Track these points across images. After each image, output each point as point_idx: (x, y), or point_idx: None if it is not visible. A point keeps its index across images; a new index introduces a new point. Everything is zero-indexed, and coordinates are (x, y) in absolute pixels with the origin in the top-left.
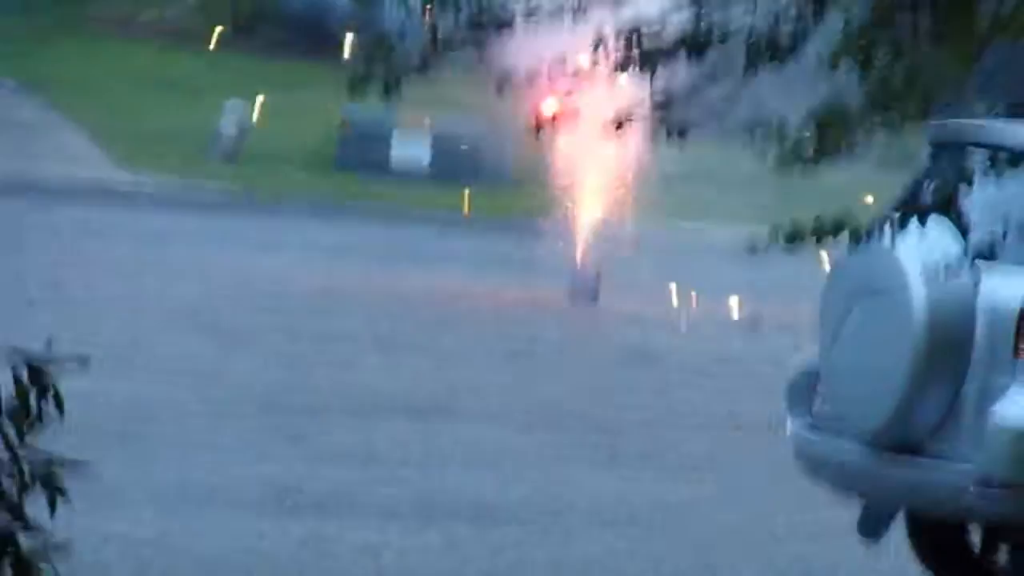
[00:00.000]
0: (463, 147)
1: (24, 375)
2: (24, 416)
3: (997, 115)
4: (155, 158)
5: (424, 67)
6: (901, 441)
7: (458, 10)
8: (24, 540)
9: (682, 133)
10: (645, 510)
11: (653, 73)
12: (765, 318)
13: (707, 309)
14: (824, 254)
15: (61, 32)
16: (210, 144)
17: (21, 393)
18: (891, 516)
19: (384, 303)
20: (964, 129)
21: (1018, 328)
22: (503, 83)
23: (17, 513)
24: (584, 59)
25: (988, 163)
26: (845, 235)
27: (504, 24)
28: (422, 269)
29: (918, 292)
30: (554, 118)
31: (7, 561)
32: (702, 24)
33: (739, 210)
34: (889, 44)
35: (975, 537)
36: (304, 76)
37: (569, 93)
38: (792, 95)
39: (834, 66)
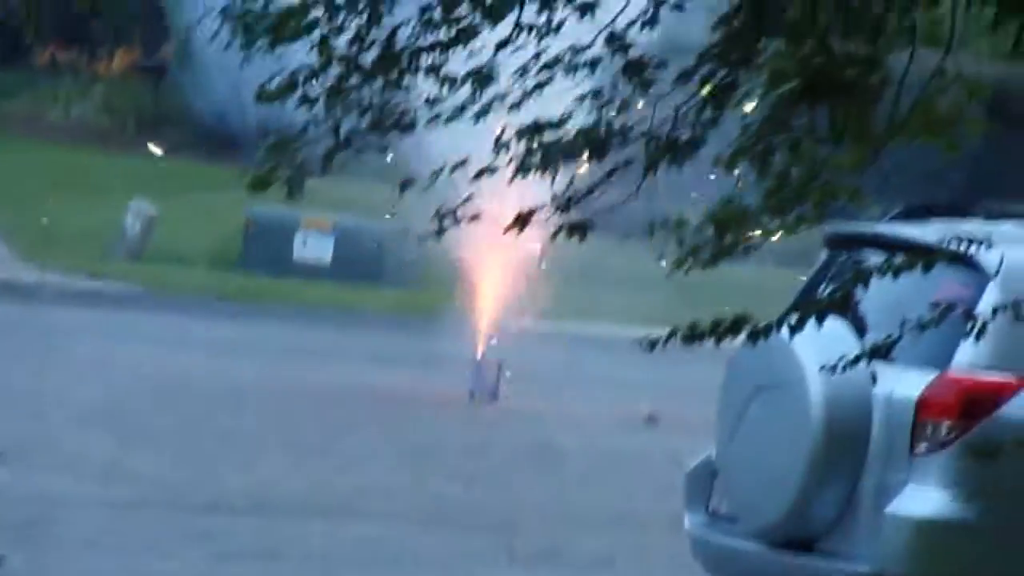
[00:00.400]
0: (372, 244)
1: None
2: None
3: (893, 217)
4: (61, 255)
5: (327, 167)
6: (798, 537)
7: (361, 112)
8: None
9: (582, 233)
10: None
11: (554, 173)
12: (664, 417)
13: (607, 408)
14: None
15: None
16: (115, 242)
17: None
18: None
19: (288, 401)
20: (861, 230)
21: (914, 425)
22: (405, 184)
23: None
24: (486, 159)
25: (884, 264)
26: (743, 332)
27: (406, 126)
28: (325, 366)
29: (815, 387)
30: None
31: None
32: (602, 125)
33: (640, 309)
34: (786, 146)
35: None
36: (208, 176)
37: (470, 196)
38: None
39: (731, 167)
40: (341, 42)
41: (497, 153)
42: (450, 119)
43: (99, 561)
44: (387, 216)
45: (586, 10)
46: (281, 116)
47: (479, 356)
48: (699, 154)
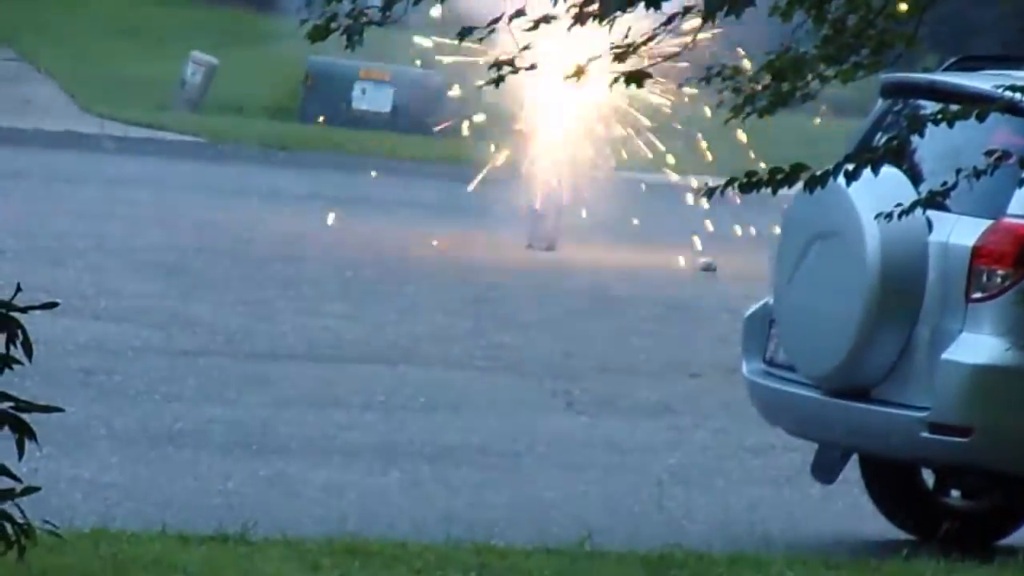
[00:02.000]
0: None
1: None
2: None
3: (948, 67)
4: (121, 105)
5: (386, 16)
6: (853, 385)
7: None
8: None
9: (640, 81)
10: (602, 454)
11: (611, 23)
12: (721, 266)
13: (664, 257)
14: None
15: None
16: (176, 93)
17: None
18: (844, 459)
19: (346, 250)
20: (916, 81)
21: (969, 273)
22: (464, 33)
23: None
24: (543, 9)
25: (939, 113)
26: (800, 181)
27: None
28: (384, 216)
29: (872, 235)
30: (515, 70)
31: None
32: None
33: (697, 159)
34: None
35: (928, 478)
36: (267, 27)
37: (527, 47)
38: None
39: (787, 16)
40: None
41: (555, 3)
42: None
43: (159, 408)
44: (446, 67)
45: None
46: None
47: (537, 205)
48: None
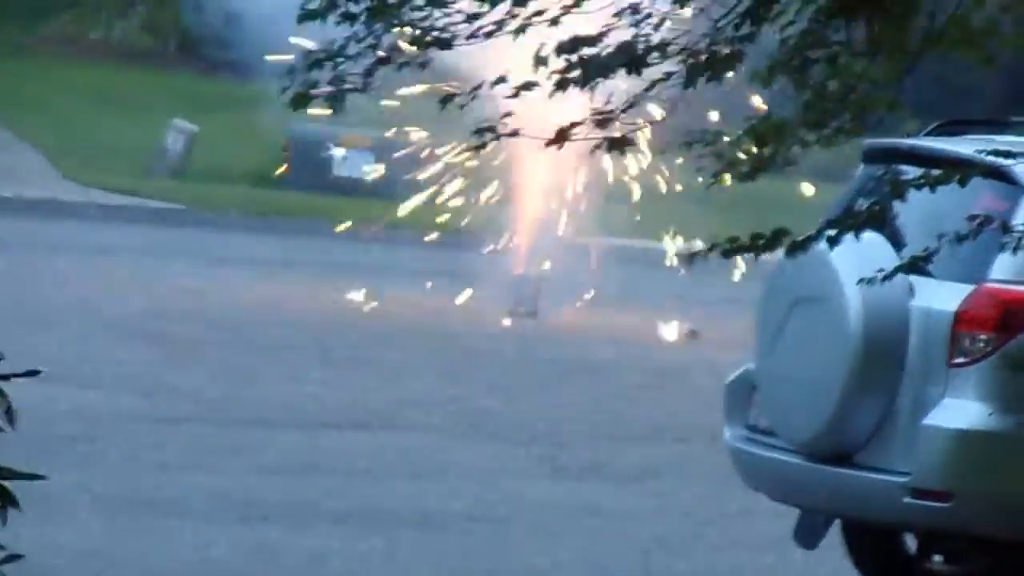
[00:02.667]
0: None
1: None
2: None
3: (930, 131)
4: (104, 173)
5: (368, 83)
6: (835, 450)
7: (402, 27)
8: None
9: (622, 148)
10: (587, 520)
11: (593, 88)
12: (704, 331)
13: (647, 323)
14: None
15: (9, 53)
16: (157, 160)
17: None
18: (827, 525)
19: (328, 316)
20: (897, 146)
21: (951, 338)
22: (446, 100)
23: None
24: (525, 76)
25: (921, 177)
26: (782, 245)
27: (446, 42)
28: (365, 281)
29: (853, 301)
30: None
31: None
32: (640, 40)
33: (680, 225)
34: (824, 60)
35: (911, 544)
36: (248, 94)
37: (509, 114)
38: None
39: (769, 82)
40: None
41: (536, 69)
42: (489, 35)
43: (142, 475)
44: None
45: None
46: (321, 35)
47: (519, 271)
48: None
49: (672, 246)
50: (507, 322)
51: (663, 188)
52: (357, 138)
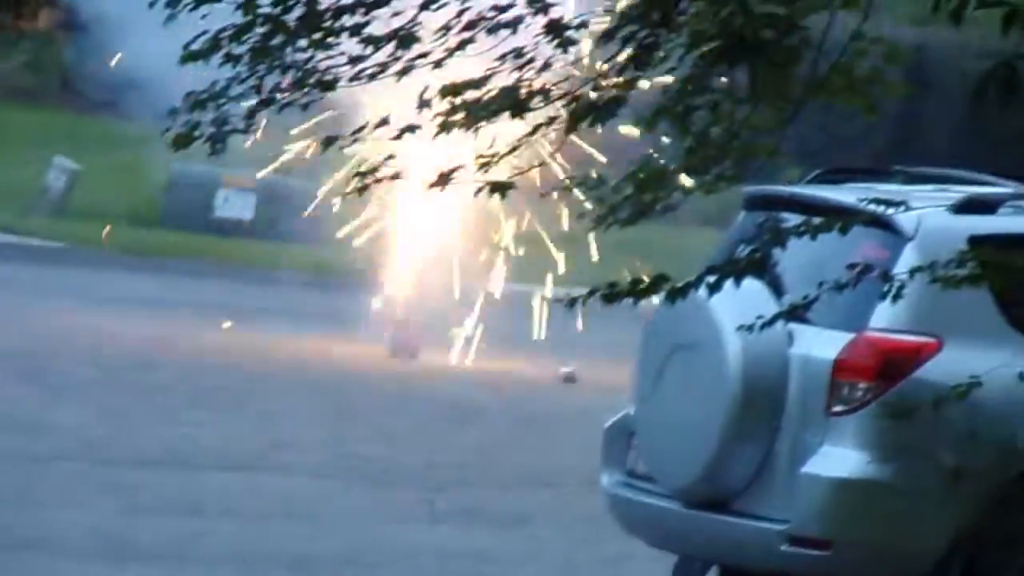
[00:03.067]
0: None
1: None
2: None
3: (812, 179)
4: None
5: (250, 125)
6: (713, 497)
7: (284, 70)
8: None
9: (503, 191)
10: (463, 565)
11: (476, 132)
12: (583, 375)
13: (526, 366)
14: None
15: None
16: (38, 198)
17: None
18: (704, 571)
19: (208, 357)
20: (778, 193)
21: (831, 386)
22: (328, 142)
23: None
24: (408, 119)
25: (802, 225)
26: (662, 291)
27: (329, 84)
28: (245, 324)
29: (733, 348)
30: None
31: None
32: (523, 85)
33: (561, 269)
34: (706, 106)
35: None
36: (130, 134)
37: (391, 157)
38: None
39: (651, 127)
40: (265, 0)
41: (419, 111)
42: (372, 77)
43: (17, 514)
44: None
45: None
46: (203, 76)
47: (399, 313)
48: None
49: (553, 290)
50: (388, 363)
51: (547, 232)
52: (240, 179)
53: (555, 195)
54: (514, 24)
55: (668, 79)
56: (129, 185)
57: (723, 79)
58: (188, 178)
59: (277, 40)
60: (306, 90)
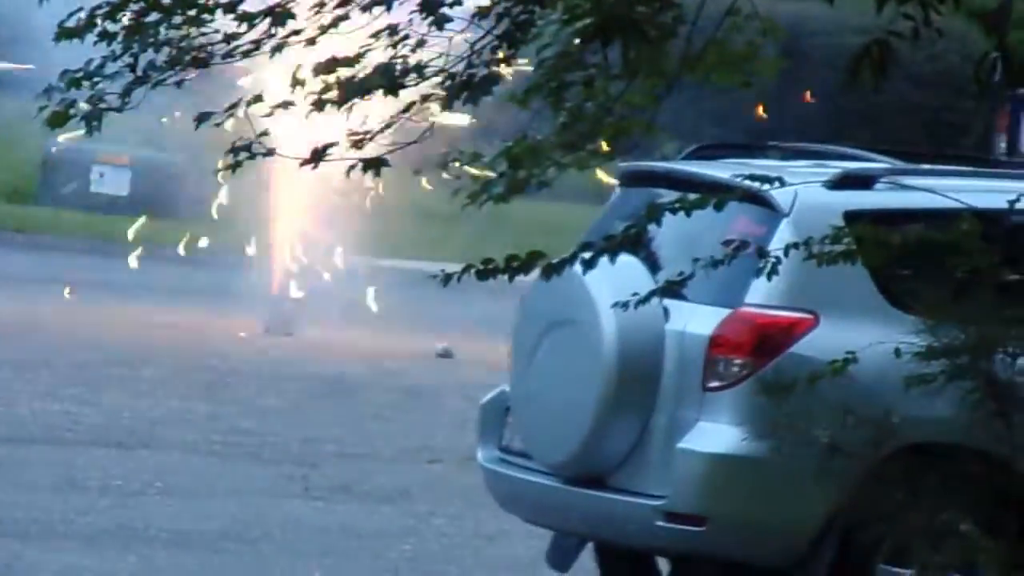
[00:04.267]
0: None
1: None
2: None
3: (687, 155)
4: None
5: (125, 102)
6: (589, 473)
7: (159, 47)
8: None
9: (377, 168)
10: (338, 540)
11: (349, 110)
12: (459, 352)
13: (402, 342)
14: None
15: None
16: None
17: None
18: (580, 547)
19: (83, 333)
20: (653, 169)
21: (706, 362)
22: (202, 118)
23: None
24: (282, 96)
25: (677, 201)
26: (537, 268)
27: (203, 61)
28: (120, 300)
29: (608, 324)
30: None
31: None
32: (397, 62)
33: (437, 244)
34: (580, 83)
35: (664, 568)
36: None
37: (265, 133)
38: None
39: (524, 103)
40: None
41: (293, 89)
42: (247, 55)
43: None
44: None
45: None
46: (78, 54)
47: (274, 290)
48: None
49: (428, 266)
50: (263, 340)
51: (420, 208)
52: (115, 156)
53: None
54: (388, 1)
55: (543, 55)
56: (4, 162)
57: (597, 55)
58: (63, 155)
59: (152, 17)
60: (180, 68)
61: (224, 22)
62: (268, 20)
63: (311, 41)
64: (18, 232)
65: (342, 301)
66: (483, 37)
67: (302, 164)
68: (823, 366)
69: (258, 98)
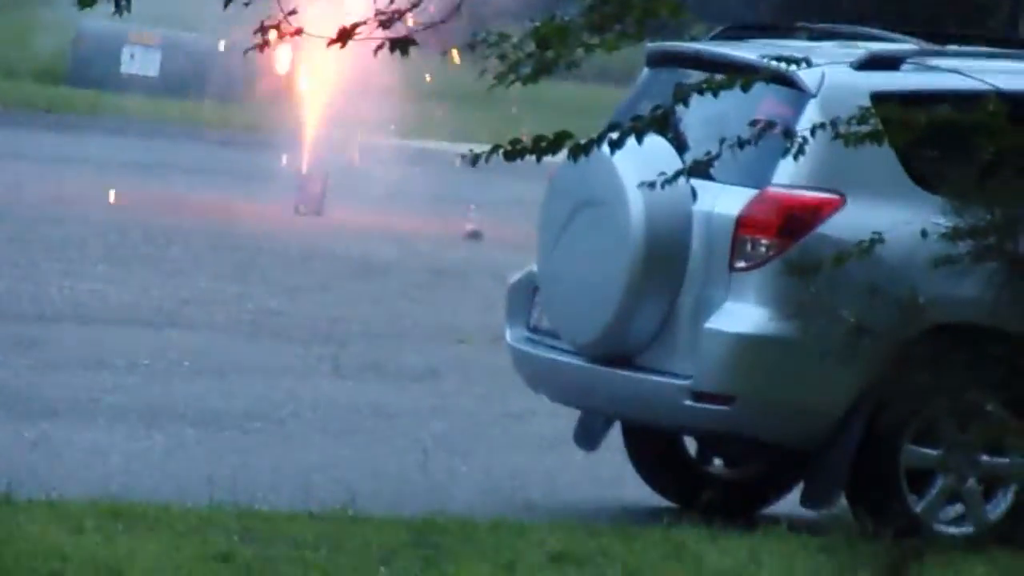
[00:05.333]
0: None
1: None
2: None
3: (715, 36)
4: None
5: None
6: (617, 353)
7: None
8: None
9: (405, 48)
10: (367, 419)
11: None
12: (488, 233)
13: (431, 223)
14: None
15: None
16: None
17: None
18: (607, 427)
19: (114, 213)
20: (681, 50)
21: (733, 243)
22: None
23: None
24: None
25: (704, 82)
26: (565, 148)
27: None
28: (151, 180)
29: (635, 204)
30: (280, 35)
31: None
32: None
33: (468, 127)
34: None
35: (691, 446)
36: None
37: (293, 12)
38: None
39: None
40: None
41: None
42: None
43: None
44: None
45: None
46: None
47: (304, 170)
48: None
49: (457, 147)
50: (293, 220)
51: (448, 90)
52: (146, 36)
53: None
54: None
55: None
56: (35, 42)
57: None
58: (94, 35)
59: None
60: None
61: None
62: None
63: None
64: (48, 112)
65: (372, 182)
66: None
67: (330, 43)
68: (850, 246)
69: None
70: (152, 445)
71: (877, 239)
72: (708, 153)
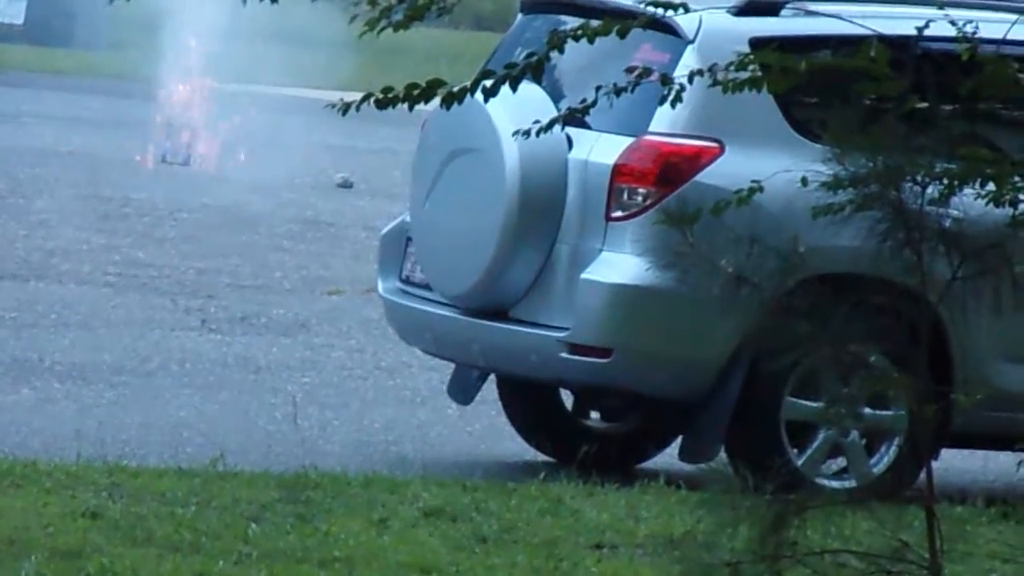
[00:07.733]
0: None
1: None
2: None
3: None
4: None
5: None
6: (491, 304)
7: None
8: None
9: None
10: (236, 373)
11: None
12: (359, 182)
13: (301, 172)
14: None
15: None
16: None
17: None
18: (482, 380)
19: None
20: None
21: (609, 192)
22: None
23: None
24: None
25: (580, 28)
26: (438, 96)
27: None
28: (15, 129)
29: (510, 152)
30: None
31: None
32: None
33: (335, 72)
34: None
35: (567, 400)
36: None
37: None
38: None
39: None
40: None
41: None
42: None
43: None
44: None
45: None
46: None
47: (171, 120)
48: None
49: (328, 95)
50: (160, 170)
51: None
52: None
53: None
54: None
55: None
56: None
57: None
58: None
59: None
60: None
61: None
62: None
63: None
64: None
65: (241, 131)
66: None
67: None
68: (728, 195)
69: None
70: (19, 399)
71: (756, 188)
72: (583, 100)
